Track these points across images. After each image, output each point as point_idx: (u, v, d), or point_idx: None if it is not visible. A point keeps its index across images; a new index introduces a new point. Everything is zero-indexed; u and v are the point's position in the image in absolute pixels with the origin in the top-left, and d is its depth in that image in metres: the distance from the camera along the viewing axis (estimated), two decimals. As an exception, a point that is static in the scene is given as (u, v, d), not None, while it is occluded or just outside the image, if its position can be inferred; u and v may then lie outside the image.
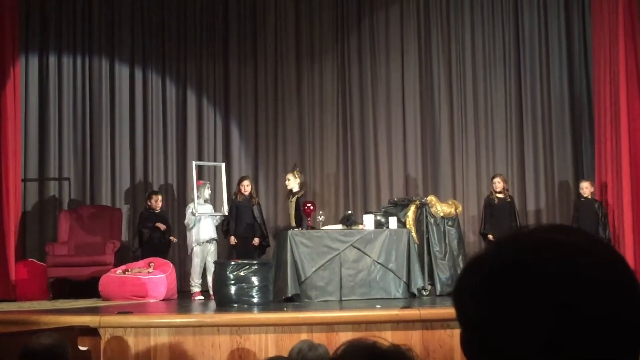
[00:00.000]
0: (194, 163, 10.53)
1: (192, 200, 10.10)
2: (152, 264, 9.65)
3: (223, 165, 10.62)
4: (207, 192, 10.18)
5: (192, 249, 10.00)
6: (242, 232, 10.12)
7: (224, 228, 10.19)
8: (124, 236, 11.28)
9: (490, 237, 10.16)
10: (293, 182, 9.94)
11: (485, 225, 10.41)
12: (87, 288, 9.83)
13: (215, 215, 10.10)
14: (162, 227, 10.34)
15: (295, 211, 9.76)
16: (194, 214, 9.91)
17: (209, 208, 10.16)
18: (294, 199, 9.81)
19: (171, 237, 10.53)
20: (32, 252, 10.93)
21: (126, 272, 9.52)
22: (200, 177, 10.74)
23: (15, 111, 10.53)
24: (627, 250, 9.99)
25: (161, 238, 10.38)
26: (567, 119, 11.92)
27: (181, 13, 12.25)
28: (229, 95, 12.21)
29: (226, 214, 10.06)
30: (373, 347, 1.33)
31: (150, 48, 12.20)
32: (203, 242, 9.87)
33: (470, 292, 1.06)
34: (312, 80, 12.26)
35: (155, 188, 11.47)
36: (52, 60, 11.90)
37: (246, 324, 6.53)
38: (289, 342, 6.29)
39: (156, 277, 9.38)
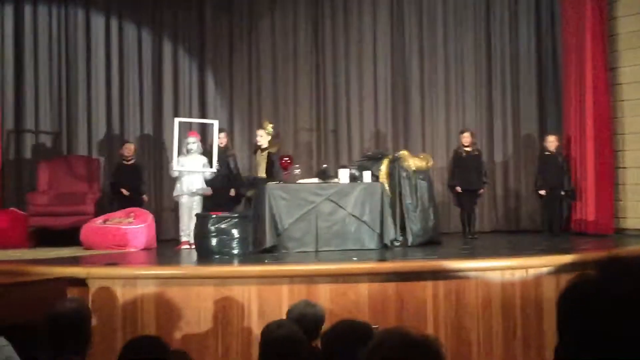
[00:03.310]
0: (176, 120, 10.29)
1: (174, 156, 10.05)
2: (133, 214, 9.85)
3: (216, 123, 10.42)
4: (195, 146, 10.03)
5: (177, 201, 10.11)
6: (218, 184, 10.34)
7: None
8: (102, 186, 11.41)
9: (458, 189, 10.55)
10: (265, 138, 10.10)
11: (453, 177, 10.78)
12: (67, 237, 10.00)
13: (202, 172, 9.98)
14: (126, 193, 10.53)
15: (267, 165, 9.95)
16: (176, 171, 9.94)
17: (199, 160, 10.03)
18: (265, 154, 9.98)
19: (143, 196, 10.71)
20: (10, 202, 11.03)
21: (107, 222, 9.70)
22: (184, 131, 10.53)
23: (-8, 62, 10.55)
24: (589, 200, 10.45)
25: (135, 191, 10.58)
26: (533, 77, 12.28)
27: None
28: (205, 45, 12.29)
29: (216, 170, 10.05)
30: (406, 335, 1.58)
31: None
32: (187, 195, 9.90)
33: (584, 309, 1.39)
34: (285, 33, 12.38)
35: (132, 139, 11.57)
36: (28, 10, 11.86)
37: (230, 276, 6.80)
38: (271, 292, 6.62)
39: (137, 227, 9.60)
